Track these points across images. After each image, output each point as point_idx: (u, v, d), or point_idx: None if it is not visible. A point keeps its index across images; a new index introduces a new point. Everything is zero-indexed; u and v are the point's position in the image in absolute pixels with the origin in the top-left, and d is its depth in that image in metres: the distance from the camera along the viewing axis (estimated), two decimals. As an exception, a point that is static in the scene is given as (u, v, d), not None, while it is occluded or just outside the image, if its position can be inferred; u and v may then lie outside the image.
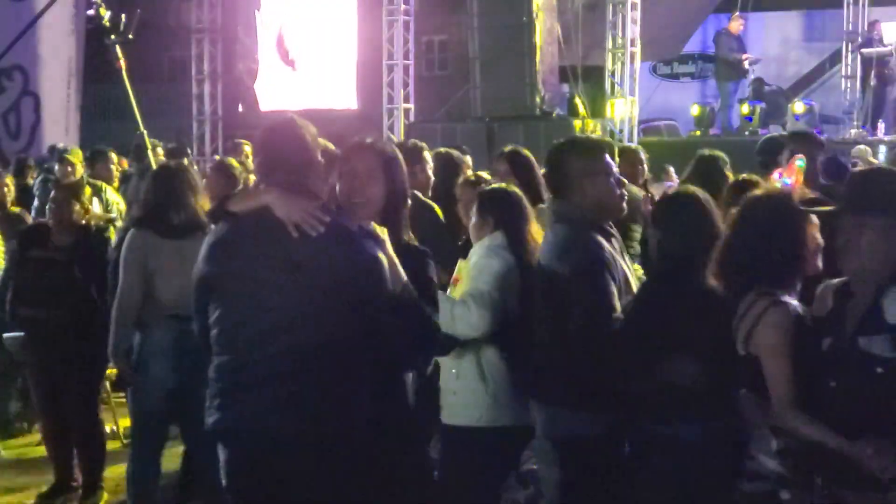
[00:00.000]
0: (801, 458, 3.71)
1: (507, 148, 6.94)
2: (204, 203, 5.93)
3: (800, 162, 9.37)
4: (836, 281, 3.77)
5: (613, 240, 4.77)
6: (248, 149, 13.62)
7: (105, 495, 6.96)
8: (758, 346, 3.81)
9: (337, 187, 4.15)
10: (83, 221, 7.11)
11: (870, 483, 3.51)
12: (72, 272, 6.88)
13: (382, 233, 3.90)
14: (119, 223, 9.27)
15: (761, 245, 3.95)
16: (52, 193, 7.47)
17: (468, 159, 7.93)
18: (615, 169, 4.92)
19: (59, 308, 6.88)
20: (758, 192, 4.73)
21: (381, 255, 3.81)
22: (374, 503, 3.99)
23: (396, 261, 3.88)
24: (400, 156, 4.29)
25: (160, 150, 11.27)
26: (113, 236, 7.47)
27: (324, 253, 3.81)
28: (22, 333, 7.09)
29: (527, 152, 6.69)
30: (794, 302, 3.85)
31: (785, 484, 3.74)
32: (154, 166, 9.17)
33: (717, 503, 4.63)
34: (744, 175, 6.79)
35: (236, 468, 3.97)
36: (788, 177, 8.97)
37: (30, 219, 8.29)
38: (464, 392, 4.87)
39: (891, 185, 3.71)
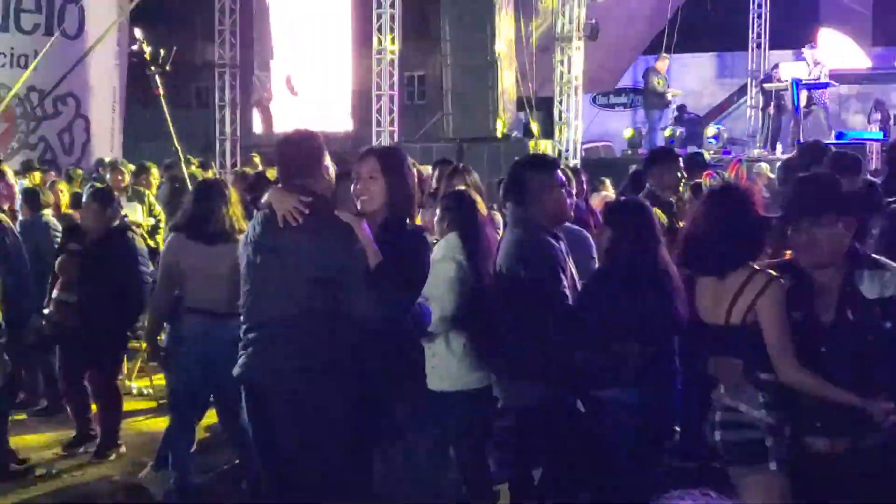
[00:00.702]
0: (783, 409, 3.70)
1: (461, 165, 6.83)
2: (238, 213, 5.88)
3: (741, 163, 9.43)
4: (771, 263, 3.85)
5: (561, 242, 4.79)
6: (258, 160, 13.67)
7: (122, 448, 6.99)
8: (761, 315, 3.73)
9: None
10: (108, 223, 7.04)
11: (842, 430, 3.55)
12: (96, 263, 6.88)
13: (358, 223, 3.93)
14: (162, 220, 9.41)
15: (740, 229, 3.89)
16: (84, 200, 7.54)
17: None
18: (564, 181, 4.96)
19: (82, 293, 6.93)
20: (720, 186, 4.72)
21: (353, 243, 3.88)
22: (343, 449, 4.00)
23: (372, 247, 3.91)
24: (402, 157, 4.27)
25: (194, 165, 11.29)
26: (139, 237, 7.49)
27: (296, 240, 3.92)
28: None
29: (473, 173, 6.58)
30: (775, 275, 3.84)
31: (772, 431, 3.70)
32: (186, 177, 9.18)
33: (649, 454, 4.73)
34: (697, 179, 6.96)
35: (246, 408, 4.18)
36: (731, 175, 9.00)
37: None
38: (439, 365, 4.86)
39: (835, 189, 3.75)
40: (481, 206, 5.15)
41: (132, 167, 11.28)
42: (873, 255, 3.77)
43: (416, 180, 4.41)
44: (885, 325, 3.55)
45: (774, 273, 3.77)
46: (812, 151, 7.06)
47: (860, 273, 3.60)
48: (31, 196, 8.36)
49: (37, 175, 11.80)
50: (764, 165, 12.54)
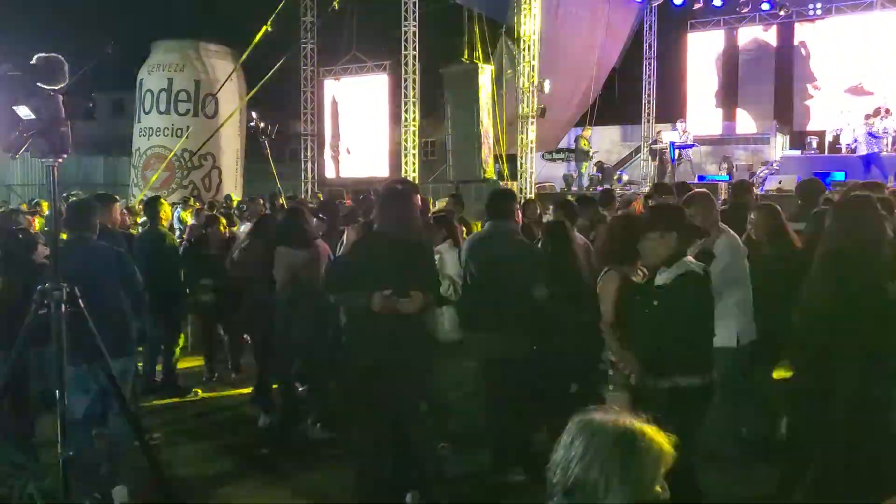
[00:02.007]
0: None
1: (451, 194, 6.67)
2: (314, 229, 5.66)
3: (641, 198, 9.24)
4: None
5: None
6: (320, 195, 13.53)
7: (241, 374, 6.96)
8: (599, 294, 3.79)
9: None
10: (224, 235, 7.10)
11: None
12: (220, 261, 6.83)
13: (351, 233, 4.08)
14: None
15: (621, 243, 3.79)
16: (205, 220, 7.40)
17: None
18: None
19: (213, 278, 6.86)
20: (618, 216, 4.85)
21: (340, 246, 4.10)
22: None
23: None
24: (395, 194, 4.16)
25: (285, 198, 11.29)
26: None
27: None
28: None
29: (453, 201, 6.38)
30: (623, 271, 3.73)
31: (612, 367, 3.68)
32: (284, 204, 9.22)
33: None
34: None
35: None
36: (635, 206, 8.93)
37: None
38: (448, 321, 4.91)
39: (661, 215, 3.58)
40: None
41: (247, 198, 11.34)
42: (683, 259, 3.40)
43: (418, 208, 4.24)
44: (654, 302, 3.36)
45: (614, 271, 3.76)
46: (677, 187, 7.15)
47: (660, 271, 3.41)
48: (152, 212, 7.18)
49: (189, 206, 11.89)
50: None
